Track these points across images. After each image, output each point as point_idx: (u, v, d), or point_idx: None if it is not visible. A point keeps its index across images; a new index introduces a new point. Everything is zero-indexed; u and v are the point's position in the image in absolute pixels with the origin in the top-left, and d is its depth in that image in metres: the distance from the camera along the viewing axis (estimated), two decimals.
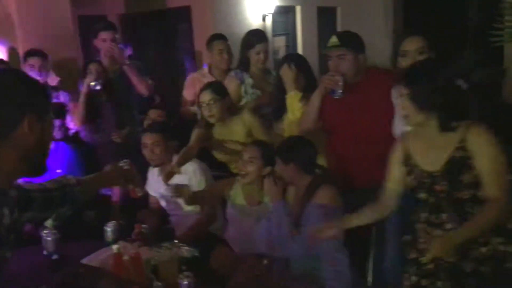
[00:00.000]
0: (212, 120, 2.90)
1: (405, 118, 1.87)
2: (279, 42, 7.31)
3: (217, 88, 2.91)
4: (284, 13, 7.29)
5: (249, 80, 3.28)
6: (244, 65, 3.31)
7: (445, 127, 1.80)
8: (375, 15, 8.93)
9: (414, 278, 1.93)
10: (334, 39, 2.47)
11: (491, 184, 1.75)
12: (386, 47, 5.52)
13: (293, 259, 2.21)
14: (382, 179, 1.99)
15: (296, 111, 2.72)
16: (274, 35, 7.01)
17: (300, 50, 7.42)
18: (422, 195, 1.89)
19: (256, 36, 3.38)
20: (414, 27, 9.28)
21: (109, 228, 2.31)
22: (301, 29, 7.53)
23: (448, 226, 1.83)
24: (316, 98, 2.53)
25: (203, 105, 2.86)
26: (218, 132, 2.96)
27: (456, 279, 1.80)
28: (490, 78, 6.97)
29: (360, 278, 2.12)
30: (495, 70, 7.38)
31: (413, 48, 2.28)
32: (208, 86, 2.92)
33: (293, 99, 2.73)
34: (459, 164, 1.79)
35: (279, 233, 2.20)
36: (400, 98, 1.86)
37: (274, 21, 6.93)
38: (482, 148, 1.76)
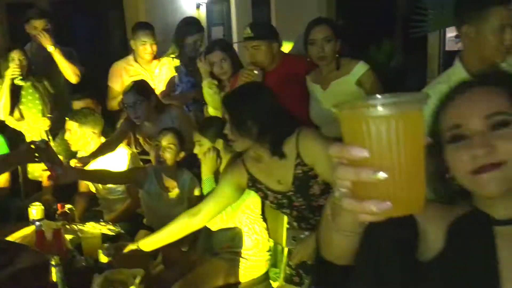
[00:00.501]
0: (138, 122, 2.94)
1: (232, 143, 1.89)
2: (216, 32, 7.41)
3: (140, 88, 2.88)
4: (219, 3, 7.41)
5: (182, 69, 3.37)
6: (179, 53, 3.39)
7: (277, 154, 1.85)
8: (309, 5, 9.20)
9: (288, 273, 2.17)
10: (248, 31, 2.66)
11: (331, 179, 1.78)
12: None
13: (215, 232, 2.38)
14: None
15: (214, 102, 2.88)
16: (210, 25, 7.12)
17: (235, 40, 7.57)
18: (285, 211, 2.01)
19: (191, 25, 3.47)
20: (346, 17, 9.70)
21: (34, 209, 2.39)
22: (236, 19, 7.66)
23: (313, 222, 2.02)
24: None
25: (128, 106, 2.87)
26: (148, 127, 3.01)
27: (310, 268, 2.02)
28: (413, 63, 7.49)
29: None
30: (416, 56, 7.95)
31: (320, 36, 2.50)
32: (131, 87, 2.89)
33: (205, 88, 2.89)
34: (304, 180, 1.88)
35: None
36: None
37: (209, 11, 7.04)
38: (315, 156, 1.83)
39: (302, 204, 1.95)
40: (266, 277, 2.32)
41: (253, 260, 2.26)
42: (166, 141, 2.51)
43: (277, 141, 1.83)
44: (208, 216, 2.01)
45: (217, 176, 2.33)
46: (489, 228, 0.95)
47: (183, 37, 3.38)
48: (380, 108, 0.61)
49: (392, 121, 0.61)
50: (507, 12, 1.63)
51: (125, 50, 6.40)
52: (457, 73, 1.71)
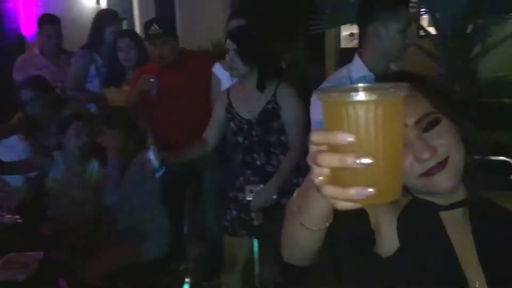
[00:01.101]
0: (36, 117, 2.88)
1: (231, 70, 2.21)
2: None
3: (38, 85, 2.85)
4: None
5: (99, 60, 3.32)
6: (94, 45, 3.31)
7: (260, 87, 2.21)
8: (213, 2, 9.34)
9: (234, 213, 2.35)
10: (156, 27, 2.71)
11: (291, 133, 2.21)
12: (223, 30, 5.91)
13: (119, 215, 2.46)
14: None
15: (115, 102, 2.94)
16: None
17: None
18: (240, 139, 2.31)
19: (109, 16, 3.41)
20: (248, 13, 9.96)
21: None
22: (139, 13, 7.58)
23: (259, 161, 2.29)
24: (134, 96, 2.74)
25: (26, 103, 2.82)
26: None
27: (265, 211, 2.23)
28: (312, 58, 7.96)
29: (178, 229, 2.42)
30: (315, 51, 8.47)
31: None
32: (28, 83, 2.85)
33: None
34: (270, 114, 2.21)
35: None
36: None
37: (110, 5, 6.88)
38: (287, 103, 2.20)
39: (258, 134, 2.24)
40: None
41: None
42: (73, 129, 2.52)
43: (266, 76, 2.20)
44: (213, 140, 2.37)
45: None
46: (436, 214, 1.00)
47: (101, 28, 3.32)
48: (362, 93, 0.61)
49: (374, 106, 0.62)
50: (410, 13, 1.77)
51: (20, 43, 6.08)
52: (357, 69, 1.76)
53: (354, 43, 10.89)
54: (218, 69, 2.70)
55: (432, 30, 4.52)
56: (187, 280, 2.18)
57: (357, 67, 1.76)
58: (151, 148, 2.18)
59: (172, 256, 2.43)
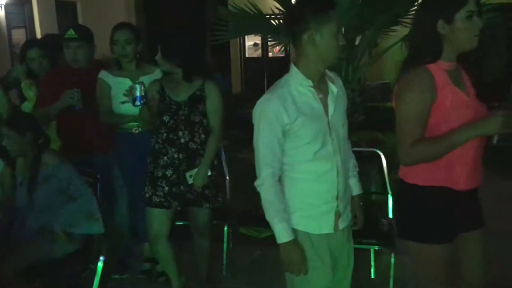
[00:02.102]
0: None
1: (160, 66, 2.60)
2: (19, 35, 7.08)
3: None
4: (20, 5, 7.09)
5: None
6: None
7: (186, 79, 2.59)
8: (117, 11, 9.35)
9: (166, 189, 2.64)
10: (71, 32, 2.88)
11: (214, 119, 2.63)
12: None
13: (29, 217, 2.55)
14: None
15: (30, 99, 3.03)
16: (10, 28, 6.78)
17: None
18: (166, 118, 2.61)
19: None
20: (155, 23, 10.06)
21: None
22: (40, 22, 7.42)
23: (183, 139, 2.60)
24: (56, 109, 2.90)
25: None
26: None
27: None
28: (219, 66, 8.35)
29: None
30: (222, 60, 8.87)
31: (122, 38, 2.84)
32: None
33: (25, 88, 3.02)
34: (198, 98, 2.61)
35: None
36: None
37: (9, 13, 6.70)
38: (212, 94, 2.62)
39: (183, 115, 2.59)
40: None
41: None
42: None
43: (190, 72, 2.59)
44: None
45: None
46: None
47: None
48: None
49: None
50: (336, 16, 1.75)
51: None
52: (295, 77, 1.77)
53: (258, 52, 11.45)
54: (105, 75, 2.91)
55: None
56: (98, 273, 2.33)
57: (295, 76, 1.77)
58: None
59: (85, 251, 2.58)
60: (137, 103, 2.61)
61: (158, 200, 2.66)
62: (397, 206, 1.98)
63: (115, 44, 2.86)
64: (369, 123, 5.02)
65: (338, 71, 4.97)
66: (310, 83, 1.75)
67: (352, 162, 2.00)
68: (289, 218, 1.77)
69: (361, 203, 2.03)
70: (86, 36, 2.96)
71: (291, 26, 1.77)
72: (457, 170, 1.74)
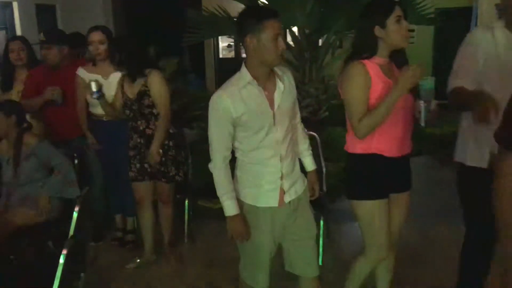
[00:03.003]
0: None
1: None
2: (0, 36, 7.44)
3: None
4: (1, 8, 7.46)
5: None
6: None
7: (132, 78, 3.07)
8: (95, 13, 9.75)
9: (138, 165, 3.18)
10: (41, 36, 3.37)
11: (158, 107, 3.07)
12: None
13: (15, 189, 3.02)
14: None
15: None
16: None
17: None
18: (127, 111, 3.13)
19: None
20: (136, 25, 10.44)
21: None
22: (20, 24, 7.79)
23: (141, 127, 3.12)
24: (39, 103, 3.40)
25: None
26: None
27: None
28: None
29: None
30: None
31: (96, 39, 3.32)
32: None
33: None
34: (143, 93, 3.05)
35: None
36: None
37: None
38: (154, 85, 3.05)
39: (136, 108, 3.09)
40: None
41: None
42: None
43: (133, 72, 3.07)
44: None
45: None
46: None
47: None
48: None
49: None
50: (279, 23, 1.92)
51: None
52: (244, 76, 1.98)
53: (232, 53, 11.93)
54: (81, 72, 3.40)
55: (292, 43, 5.44)
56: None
57: (244, 74, 2.00)
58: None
59: (64, 219, 3.04)
60: (94, 96, 3.16)
61: (133, 175, 3.21)
62: (345, 174, 2.33)
63: (90, 44, 3.34)
64: (333, 120, 5.50)
65: (302, 70, 5.41)
66: (256, 83, 1.97)
67: (306, 143, 2.30)
68: (234, 196, 2.06)
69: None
70: (55, 39, 3.41)
71: (237, 32, 2.01)
72: (387, 140, 2.15)
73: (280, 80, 2.04)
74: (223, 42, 11.48)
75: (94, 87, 3.13)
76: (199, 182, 3.76)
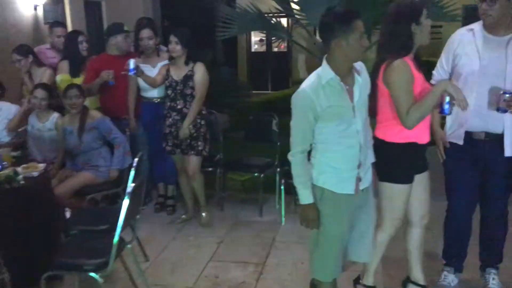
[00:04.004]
0: None
1: (173, 53, 3.64)
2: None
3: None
4: (54, 4, 8.23)
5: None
6: None
7: (187, 63, 3.68)
8: (136, 9, 10.49)
9: (173, 141, 3.76)
10: (124, 27, 4.10)
11: (198, 90, 3.66)
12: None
13: (78, 155, 3.70)
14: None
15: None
16: (46, 23, 7.92)
17: None
18: (169, 91, 3.75)
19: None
20: (170, 20, 11.11)
21: None
22: (70, 19, 8.56)
23: (179, 106, 3.70)
24: (97, 84, 3.97)
25: None
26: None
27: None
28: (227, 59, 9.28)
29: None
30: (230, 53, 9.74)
31: (145, 35, 3.94)
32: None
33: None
34: (189, 77, 3.65)
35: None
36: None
37: (45, 11, 7.84)
38: (198, 73, 3.65)
39: (180, 88, 3.67)
40: None
41: None
42: (39, 93, 3.73)
43: (190, 58, 3.67)
44: None
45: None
46: None
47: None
48: None
49: None
50: (362, 22, 2.01)
51: None
52: (327, 73, 2.06)
53: (263, 47, 12.44)
54: (132, 62, 3.94)
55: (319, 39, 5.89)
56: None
57: (326, 71, 2.07)
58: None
59: (118, 180, 3.69)
60: (131, 73, 3.68)
61: (169, 149, 3.82)
62: (377, 159, 2.39)
63: (141, 40, 3.97)
64: None
65: None
66: (339, 79, 2.05)
67: (369, 134, 2.33)
68: (310, 186, 2.15)
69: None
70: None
71: (321, 33, 2.06)
72: (422, 129, 2.37)
73: (358, 74, 2.13)
74: (255, 37, 12.02)
75: (132, 65, 3.64)
76: (229, 157, 4.37)
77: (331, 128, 2.09)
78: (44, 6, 7.78)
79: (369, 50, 5.73)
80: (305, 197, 2.16)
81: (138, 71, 3.69)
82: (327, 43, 2.04)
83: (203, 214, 3.95)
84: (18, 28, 7.30)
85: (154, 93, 4.01)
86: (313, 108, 2.04)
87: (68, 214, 3.55)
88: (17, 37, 7.19)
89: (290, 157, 2.16)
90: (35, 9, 7.64)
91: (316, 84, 2.05)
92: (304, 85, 2.08)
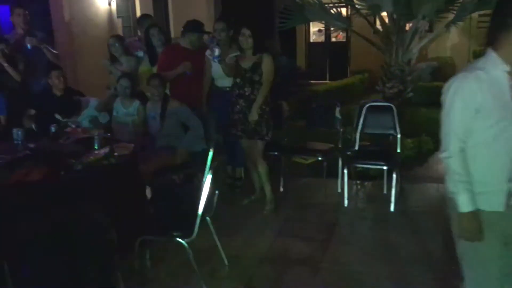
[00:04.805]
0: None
1: (246, 46, 3.90)
2: (122, 23, 8.78)
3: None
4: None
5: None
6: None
7: (254, 53, 3.92)
8: (199, 2, 10.93)
9: (241, 127, 4.02)
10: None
11: (265, 78, 3.90)
12: (208, 28, 7.40)
13: (159, 138, 4.06)
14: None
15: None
16: (118, 17, 8.48)
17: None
18: (237, 80, 4.00)
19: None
20: (230, 13, 11.44)
21: None
22: (140, 12, 9.09)
23: (247, 93, 3.95)
24: (174, 74, 4.31)
25: None
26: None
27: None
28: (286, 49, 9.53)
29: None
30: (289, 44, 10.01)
31: (220, 27, 4.26)
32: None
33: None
34: (257, 65, 3.91)
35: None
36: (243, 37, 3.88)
37: (118, 5, 8.38)
38: (266, 61, 3.90)
39: (249, 75, 3.91)
40: None
41: None
42: (124, 82, 4.16)
43: (257, 50, 3.93)
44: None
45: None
46: None
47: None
48: None
49: None
50: None
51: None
52: (495, 62, 1.84)
53: (322, 38, 12.56)
54: (217, 50, 4.31)
55: (380, 27, 5.98)
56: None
57: (493, 60, 1.86)
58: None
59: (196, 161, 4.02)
60: (215, 59, 4.02)
61: (239, 134, 4.10)
62: None
63: (215, 31, 4.32)
64: (416, 99, 6.04)
65: (389, 53, 5.96)
66: (508, 68, 1.81)
67: None
68: (471, 189, 1.84)
69: None
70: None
71: (496, 23, 1.84)
72: None
73: None
74: (314, 27, 12.15)
75: (217, 52, 3.97)
76: (292, 142, 4.63)
77: (485, 128, 1.84)
78: (117, 1, 8.32)
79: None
80: (464, 203, 1.85)
81: (221, 58, 4.00)
82: (498, 33, 1.84)
83: (267, 205, 4.15)
84: (95, 22, 7.87)
85: (225, 82, 4.31)
86: (474, 97, 1.81)
87: (148, 192, 3.94)
88: (94, 30, 7.76)
89: (445, 155, 1.89)
90: (109, 4, 8.19)
91: (480, 71, 1.84)
92: (465, 71, 1.88)
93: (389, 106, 4.27)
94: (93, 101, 4.41)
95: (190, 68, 4.28)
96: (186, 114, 4.02)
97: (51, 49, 4.75)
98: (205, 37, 4.53)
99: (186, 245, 2.78)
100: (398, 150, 4.17)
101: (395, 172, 3.93)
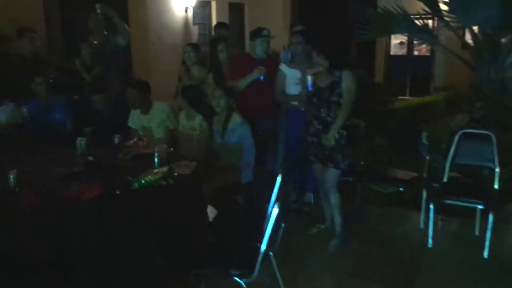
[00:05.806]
0: None
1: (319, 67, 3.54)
2: (199, 30, 8.74)
3: None
4: (202, 7, 8.70)
5: None
6: None
7: (330, 72, 3.50)
8: (275, 12, 10.69)
9: (316, 151, 3.63)
10: (266, 32, 4.17)
11: (346, 97, 3.46)
12: (284, 38, 7.14)
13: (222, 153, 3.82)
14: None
15: None
16: (194, 24, 8.41)
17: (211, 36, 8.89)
18: (314, 99, 3.59)
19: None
20: (306, 22, 11.15)
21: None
22: (216, 20, 8.98)
23: (323, 114, 3.54)
24: (247, 81, 4.09)
25: None
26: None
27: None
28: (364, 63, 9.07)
29: None
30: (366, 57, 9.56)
31: (296, 40, 3.98)
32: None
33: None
34: (335, 84, 3.48)
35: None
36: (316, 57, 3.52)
37: (194, 13, 8.32)
38: (346, 79, 3.46)
39: (326, 96, 3.51)
40: None
41: None
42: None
43: (332, 67, 3.51)
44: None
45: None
46: None
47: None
48: None
49: None
50: None
51: None
52: None
53: (403, 51, 11.86)
54: (284, 67, 4.01)
55: (471, 42, 5.42)
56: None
57: None
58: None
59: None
60: (308, 89, 3.63)
61: (312, 159, 3.71)
62: None
63: (291, 44, 4.04)
64: (508, 121, 5.43)
65: (480, 70, 5.40)
66: None
67: None
68: None
69: None
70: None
71: None
72: None
73: None
74: (396, 39, 11.50)
75: (310, 81, 3.61)
76: (370, 166, 4.18)
77: None
78: (194, 8, 8.25)
79: None
80: None
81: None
82: None
83: (333, 240, 3.73)
84: (170, 28, 7.84)
85: (294, 90, 4.01)
86: None
87: (209, 211, 3.67)
88: (169, 36, 7.73)
89: None
90: (186, 11, 8.13)
91: None
92: None
93: (487, 134, 3.70)
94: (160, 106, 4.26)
95: (263, 72, 4.00)
96: (245, 133, 3.76)
97: (123, 22, 4.74)
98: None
99: (244, 286, 2.45)
100: (496, 186, 3.58)
101: (491, 213, 3.36)
